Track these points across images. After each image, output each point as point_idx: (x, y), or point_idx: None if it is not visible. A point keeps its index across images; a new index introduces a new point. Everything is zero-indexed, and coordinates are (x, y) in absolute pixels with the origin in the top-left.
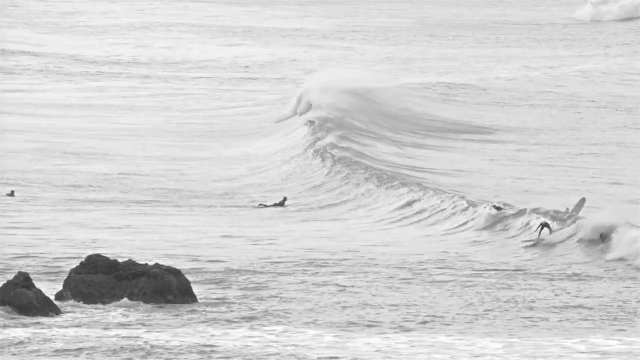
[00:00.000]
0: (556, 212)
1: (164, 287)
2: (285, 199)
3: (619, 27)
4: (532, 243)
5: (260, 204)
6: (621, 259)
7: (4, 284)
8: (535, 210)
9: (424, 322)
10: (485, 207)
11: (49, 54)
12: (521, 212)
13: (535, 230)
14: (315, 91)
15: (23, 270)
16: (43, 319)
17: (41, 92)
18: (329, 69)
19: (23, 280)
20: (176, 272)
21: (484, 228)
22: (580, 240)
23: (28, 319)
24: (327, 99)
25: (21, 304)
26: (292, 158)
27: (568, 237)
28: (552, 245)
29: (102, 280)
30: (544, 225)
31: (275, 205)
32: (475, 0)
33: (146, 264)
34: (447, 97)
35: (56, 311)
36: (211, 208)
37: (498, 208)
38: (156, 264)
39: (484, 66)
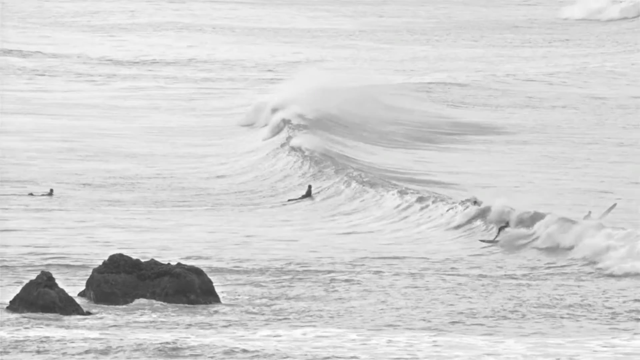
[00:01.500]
0: (517, 211)
1: (186, 286)
2: (310, 187)
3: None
4: (490, 244)
5: (289, 200)
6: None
7: (27, 284)
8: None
9: (453, 323)
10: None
11: (71, 54)
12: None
13: (496, 230)
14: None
15: (46, 269)
16: (66, 319)
17: (64, 92)
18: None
19: (46, 280)
20: (199, 272)
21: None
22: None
23: (51, 319)
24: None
25: (44, 303)
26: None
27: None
28: (510, 245)
29: (125, 279)
30: (504, 225)
31: (304, 197)
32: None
33: (169, 263)
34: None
35: (79, 311)
36: (239, 206)
37: (475, 202)
38: (179, 264)
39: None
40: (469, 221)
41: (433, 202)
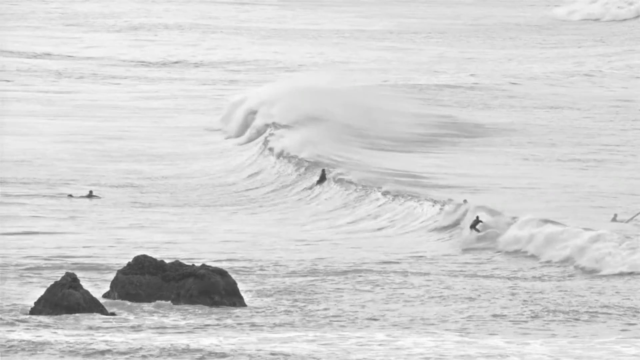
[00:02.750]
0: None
1: (210, 288)
2: (323, 171)
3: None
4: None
5: (304, 188)
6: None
7: (51, 285)
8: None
9: (478, 324)
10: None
11: (98, 56)
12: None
13: (471, 227)
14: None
15: (72, 270)
16: (90, 320)
17: (92, 94)
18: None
19: (71, 281)
20: (223, 273)
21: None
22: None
23: (76, 321)
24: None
25: (68, 304)
26: None
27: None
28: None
29: (149, 281)
30: (477, 221)
31: (319, 182)
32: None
33: (193, 264)
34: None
35: (103, 312)
36: (262, 207)
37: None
38: (203, 265)
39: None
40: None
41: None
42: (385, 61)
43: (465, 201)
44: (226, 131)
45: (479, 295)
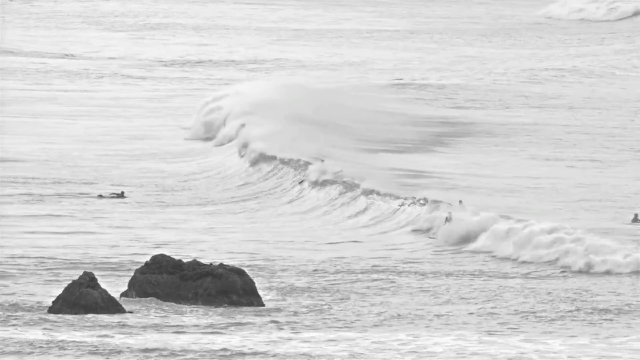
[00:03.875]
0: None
1: (228, 287)
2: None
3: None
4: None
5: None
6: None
7: (69, 284)
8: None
9: (498, 324)
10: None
11: (117, 56)
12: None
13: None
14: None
15: (91, 269)
16: (108, 319)
17: (113, 93)
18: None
19: (89, 281)
20: (241, 273)
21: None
22: None
23: (93, 320)
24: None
25: (86, 304)
26: None
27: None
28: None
29: (167, 280)
30: (450, 216)
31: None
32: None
33: (211, 264)
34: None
35: (121, 311)
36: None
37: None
38: (221, 264)
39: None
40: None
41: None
42: (405, 61)
43: (460, 202)
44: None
45: (496, 295)
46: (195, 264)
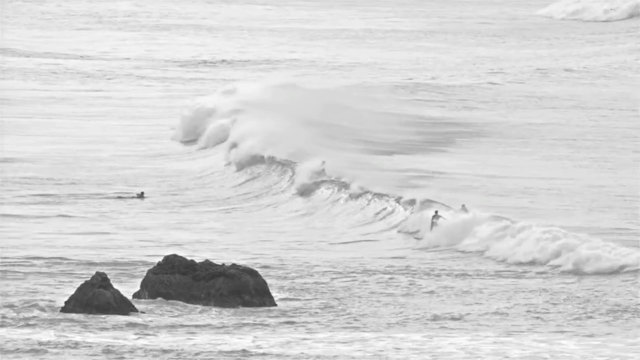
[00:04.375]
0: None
1: (240, 287)
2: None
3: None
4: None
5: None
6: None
7: (81, 284)
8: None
9: (513, 324)
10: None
11: (129, 56)
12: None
13: (433, 219)
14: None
15: (102, 270)
16: (120, 320)
17: (120, 92)
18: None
19: (101, 281)
20: (253, 273)
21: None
22: None
23: (107, 320)
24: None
25: (99, 304)
26: None
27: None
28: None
29: (179, 280)
30: (437, 216)
31: None
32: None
33: (223, 264)
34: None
35: (134, 311)
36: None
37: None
38: (233, 265)
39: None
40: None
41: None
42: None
43: (463, 206)
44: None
45: (511, 295)
46: (207, 264)
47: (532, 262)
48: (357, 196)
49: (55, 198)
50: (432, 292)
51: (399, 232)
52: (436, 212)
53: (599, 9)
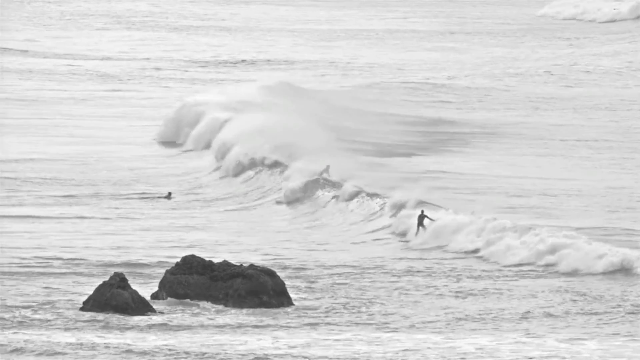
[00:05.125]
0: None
1: (259, 288)
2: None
3: None
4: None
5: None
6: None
7: (99, 285)
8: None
9: (534, 324)
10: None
11: (150, 56)
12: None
13: (419, 224)
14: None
15: (120, 270)
16: (138, 320)
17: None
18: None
19: (119, 281)
20: (271, 273)
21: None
22: None
23: (125, 321)
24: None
25: (117, 304)
26: None
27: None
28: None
29: (197, 281)
30: (423, 216)
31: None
32: None
33: (241, 264)
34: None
35: (152, 312)
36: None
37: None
38: (251, 265)
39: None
40: None
41: None
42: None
43: (472, 213)
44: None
45: (533, 295)
46: (225, 264)
47: (551, 264)
48: (369, 196)
49: (74, 199)
50: (452, 292)
51: (391, 233)
52: (422, 211)
53: (628, 7)
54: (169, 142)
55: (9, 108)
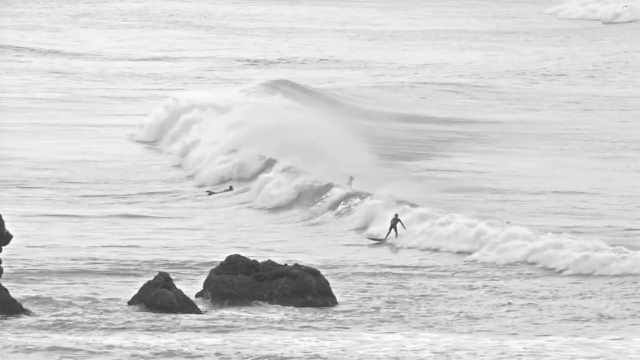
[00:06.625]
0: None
1: (303, 287)
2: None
3: None
4: (377, 242)
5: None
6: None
7: (144, 284)
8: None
9: (583, 325)
10: None
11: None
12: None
13: (392, 227)
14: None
15: (165, 270)
16: (184, 320)
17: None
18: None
19: (164, 281)
20: (315, 273)
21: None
22: None
23: (170, 321)
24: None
25: (161, 304)
26: None
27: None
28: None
29: (242, 280)
30: (396, 219)
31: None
32: None
33: (285, 264)
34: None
35: (196, 311)
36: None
37: None
38: (296, 265)
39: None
40: None
41: None
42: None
43: (508, 222)
44: None
45: (583, 298)
46: (270, 264)
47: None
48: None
49: (119, 198)
50: (496, 293)
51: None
52: (396, 215)
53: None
54: None
55: (59, 110)
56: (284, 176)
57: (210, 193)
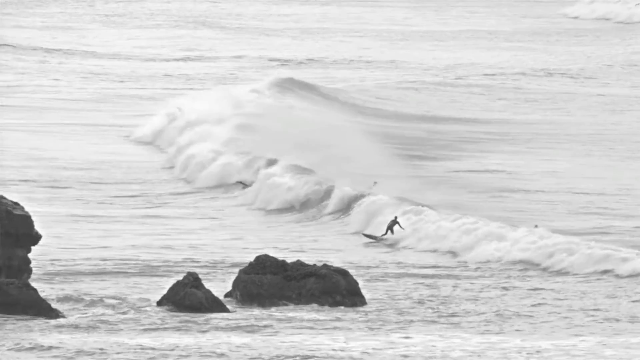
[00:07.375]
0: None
1: (332, 287)
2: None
3: None
4: (373, 240)
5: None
6: None
7: (173, 284)
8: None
9: (614, 326)
10: None
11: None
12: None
13: (389, 228)
14: None
15: (194, 270)
16: (213, 320)
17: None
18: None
19: (192, 281)
20: (344, 273)
21: None
22: None
23: (199, 321)
24: None
25: (190, 304)
26: None
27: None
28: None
29: (271, 280)
30: (395, 221)
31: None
32: None
33: (314, 264)
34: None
35: (225, 311)
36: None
37: None
38: (324, 265)
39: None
40: None
41: None
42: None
43: (536, 226)
44: None
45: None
46: (299, 264)
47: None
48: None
49: (151, 198)
50: (527, 293)
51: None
52: (395, 217)
53: None
54: None
55: (90, 111)
56: (310, 178)
57: (245, 186)
